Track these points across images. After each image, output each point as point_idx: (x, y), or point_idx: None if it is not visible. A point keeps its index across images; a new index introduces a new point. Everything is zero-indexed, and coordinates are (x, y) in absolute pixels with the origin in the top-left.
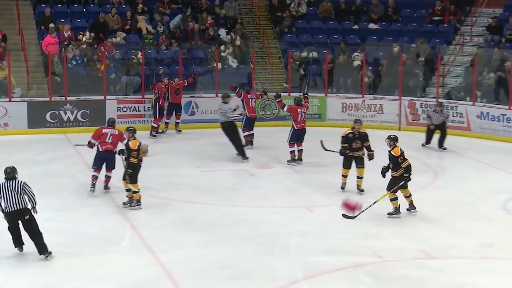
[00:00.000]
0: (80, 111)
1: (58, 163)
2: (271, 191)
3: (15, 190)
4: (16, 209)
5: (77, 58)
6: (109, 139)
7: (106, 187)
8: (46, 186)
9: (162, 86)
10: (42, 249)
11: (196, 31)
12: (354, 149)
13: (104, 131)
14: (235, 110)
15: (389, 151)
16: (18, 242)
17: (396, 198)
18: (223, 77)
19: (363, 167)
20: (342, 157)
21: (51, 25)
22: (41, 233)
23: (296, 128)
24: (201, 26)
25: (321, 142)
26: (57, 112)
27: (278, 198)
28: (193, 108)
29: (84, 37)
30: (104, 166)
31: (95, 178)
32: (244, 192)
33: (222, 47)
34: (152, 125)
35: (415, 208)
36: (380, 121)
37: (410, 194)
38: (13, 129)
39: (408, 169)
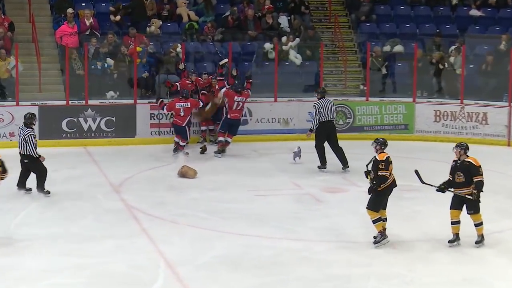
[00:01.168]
0: (104, 118)
1: (76, 183)
2: (343, 222)
3: (21, 136)
4: (20, 152)
5: (106, 56)
6: (181, 112)
7: (175, 150)
8: (60, 212)
9: (187, 82)
10: (40, 188)
11: (250, 19)
12: (458, 184)
13: (177, 105)
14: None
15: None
16: (20, 184)
17: (379, 219)
18: (283, 77)
19: (476, 212)
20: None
21: (69, 10)
22: (43, 176)
23: (229, 117)
24: (256, 12)
25: (416, 172)
26: (75, 120)
27: (352, 231)
28: (245, 115)
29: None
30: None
31: (176, 143)
32: (308, 223)
33: (284, 39)
34: None
35: (386, 237)
36: (483, 134)
37: (385, 219)
38: None
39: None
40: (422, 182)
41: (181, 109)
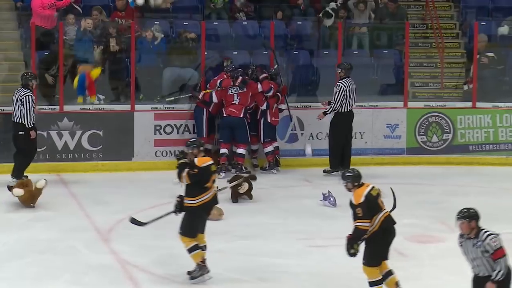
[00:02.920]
0: (87, 132)
1: (46, 228)
2: (438, 286)
3: (15, 98)
4: (13, 120)
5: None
6: (236, 100)
7: (239, 168)
8: (27, 270)
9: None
10: (13, 172)
11: None
12: None
13: (230, 91)
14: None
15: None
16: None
17: (196, 247)
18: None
19: (364, 264)
20: None
21: None
22: (22, 159)
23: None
24: None
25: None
26: (45, 134)
27: None
28: (293, 128)
29: None
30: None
31: (225, 157)
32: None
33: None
34: None
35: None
36: None
37: (205, 246)
38: None
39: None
40: None
41: (235, 95)
